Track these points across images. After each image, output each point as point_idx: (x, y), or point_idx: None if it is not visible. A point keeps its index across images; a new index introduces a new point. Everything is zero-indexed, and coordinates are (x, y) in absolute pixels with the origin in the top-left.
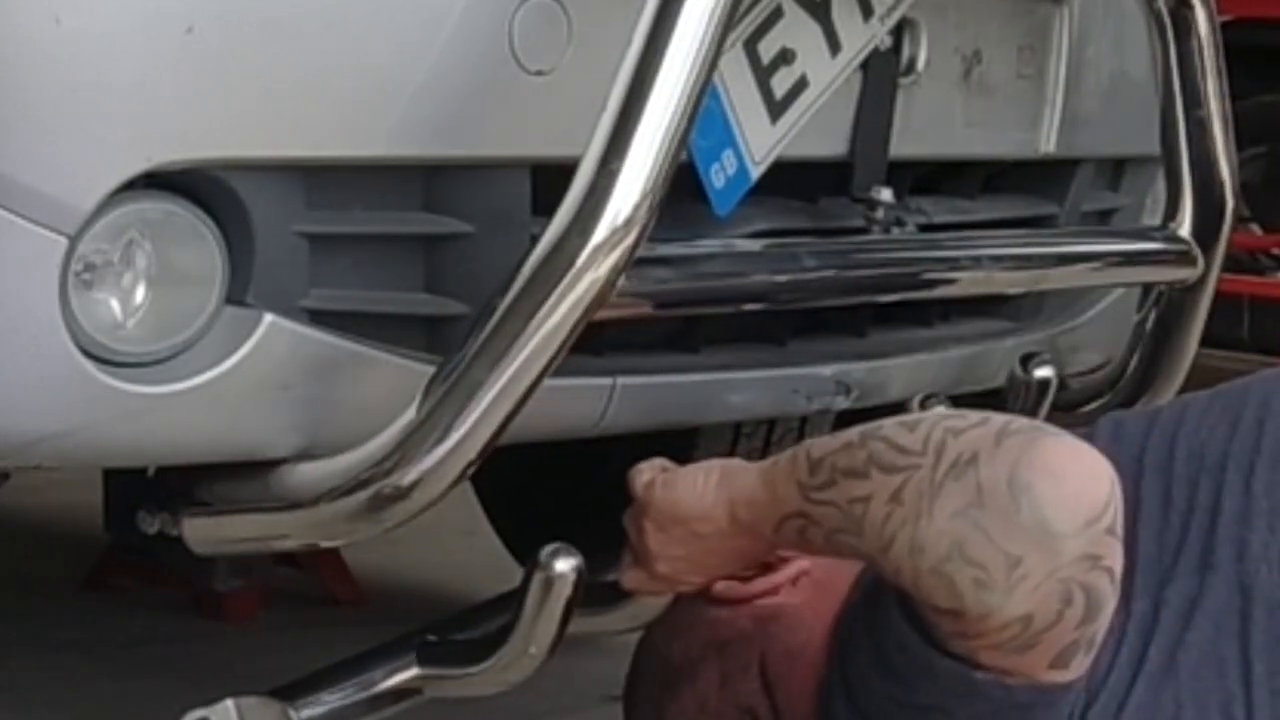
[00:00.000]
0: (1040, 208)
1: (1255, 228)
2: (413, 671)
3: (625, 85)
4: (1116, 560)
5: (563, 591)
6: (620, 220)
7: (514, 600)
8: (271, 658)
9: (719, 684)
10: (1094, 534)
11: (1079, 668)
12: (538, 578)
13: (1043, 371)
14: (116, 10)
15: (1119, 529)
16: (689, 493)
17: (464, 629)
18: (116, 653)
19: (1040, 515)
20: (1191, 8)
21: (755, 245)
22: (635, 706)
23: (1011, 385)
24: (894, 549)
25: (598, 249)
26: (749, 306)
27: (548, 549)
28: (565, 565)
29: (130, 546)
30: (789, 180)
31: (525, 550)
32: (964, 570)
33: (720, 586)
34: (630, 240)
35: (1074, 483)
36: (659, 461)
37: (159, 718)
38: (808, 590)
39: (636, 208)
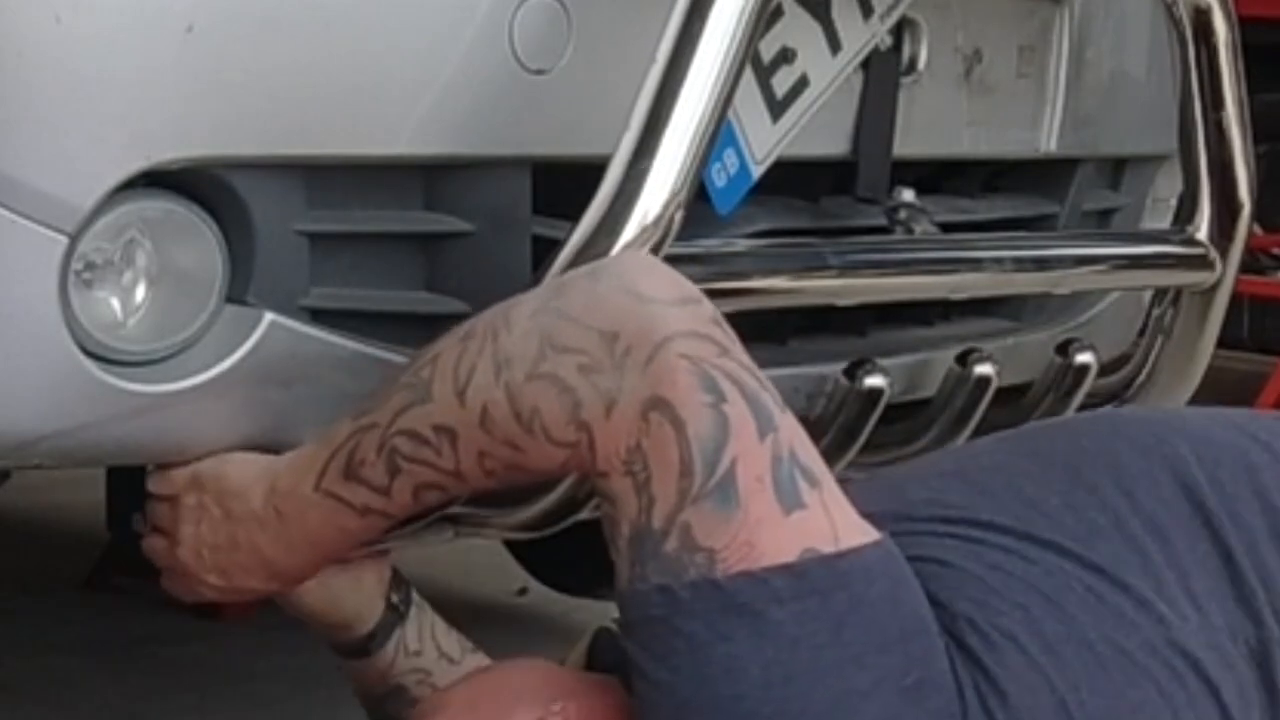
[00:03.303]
0: (1040, 207)
1: (1255, 227)
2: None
3: (655, 85)
4: (750, 365)
5: None
6: (649, 219)
7: None
8: (271, 658)
9: None
10: (697, 313)
11: (819, 532)
12: None
13: (1084, 357)
14: (116, 9)
15: (728, 332)
16: (238, 465)
17: None
18: (116, 653)
19: (623, 282)
20: (1210, 10)
21: (779, 244)
22: None
23: (1049, 371)
24: (474, 383)
25: (626, 248)
26: (773, 304)
27: None
28: None
29: (130, 546)
30: (791, 179)
31: (525, 551)
32: (562, 360)
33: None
34: (658, 239)
35: (658, 265)
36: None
37: (159, 718)
38: None
39: (665, 207)
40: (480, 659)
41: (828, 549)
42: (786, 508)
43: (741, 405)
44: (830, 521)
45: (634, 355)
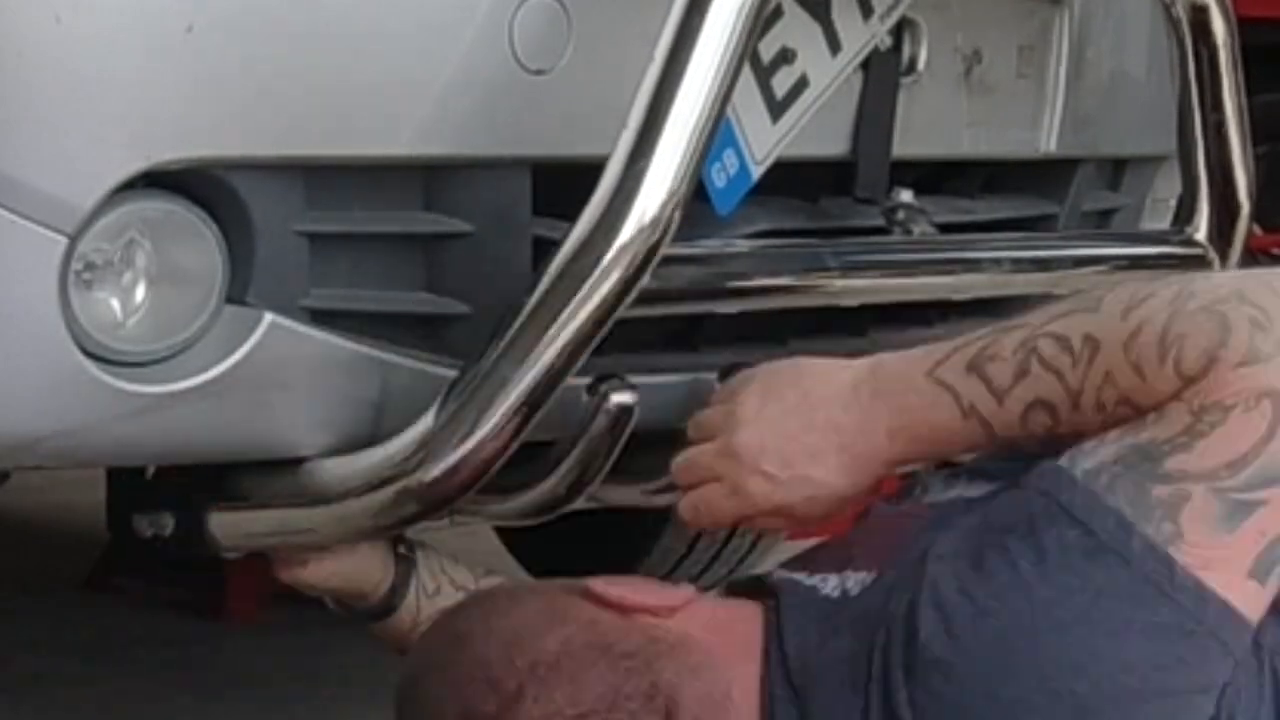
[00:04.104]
0: (1040, 208)
1: (1255, 228)
2: None
3: (653, 83)
4: None
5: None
6: (647, 219)
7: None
8: (271, 658)
9: (609, 700)
10: None
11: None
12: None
13: None
14: (116, 9)
15: None
16: (811, 359)
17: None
18: (116, 653)
19: None
20: (1208, 10)
21: (777, 244)
22: (461, 685)
23: None
24: (1146, 304)
25: (624, 248)
26: (771, 305)
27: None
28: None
29: (131, 546)
30: (790, 180)
31: (526, 551)
32: (1242, 308)
33: (600, 584)
34: (656, 239)
35: None
36: None
37: (159, 718)
38: (713, 631)
39: (664, 206)
40: (498, 580)
41: (1241, 623)
42: (1254, 572)
43: None
44: (1261, 607)
45: None
